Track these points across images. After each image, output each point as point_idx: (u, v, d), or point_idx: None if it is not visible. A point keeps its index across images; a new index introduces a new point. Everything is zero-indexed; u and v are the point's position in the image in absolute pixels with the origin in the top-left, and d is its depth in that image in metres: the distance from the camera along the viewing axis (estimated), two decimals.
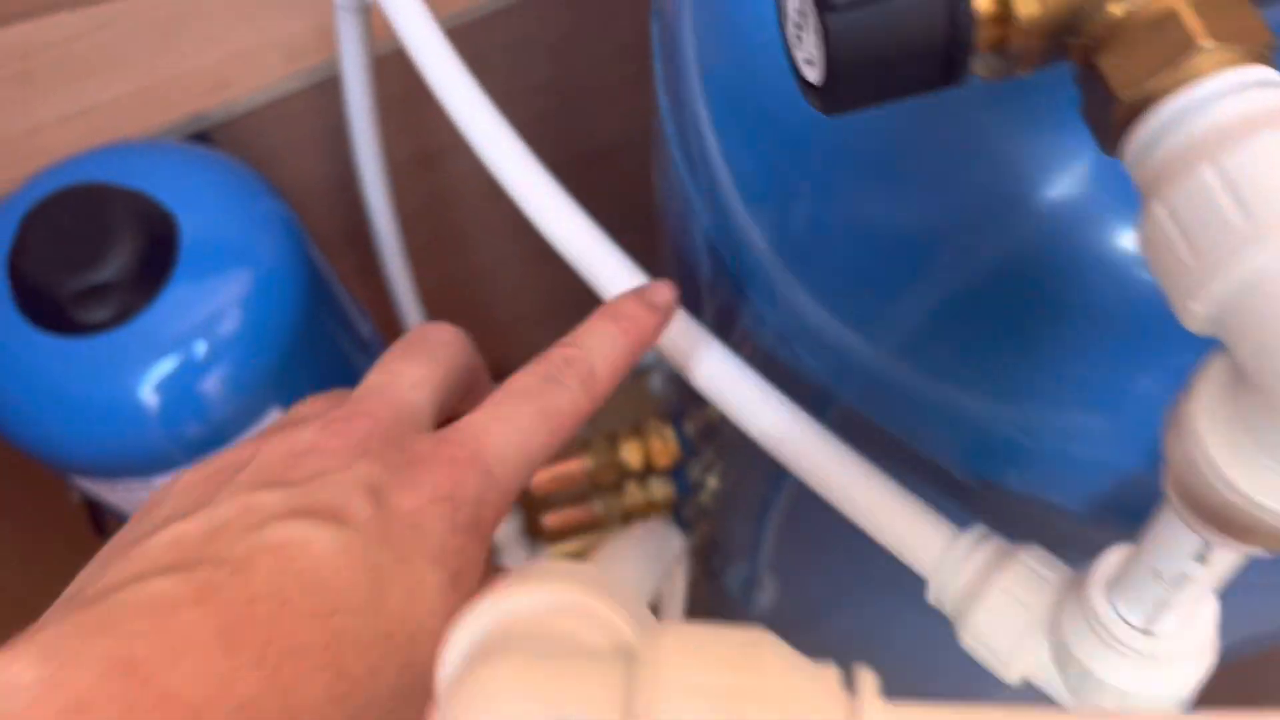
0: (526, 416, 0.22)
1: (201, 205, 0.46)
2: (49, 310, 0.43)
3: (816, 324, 0.29)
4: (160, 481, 0.46)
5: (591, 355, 0.24)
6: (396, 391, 0.22)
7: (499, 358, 1.05)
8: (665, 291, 0.27)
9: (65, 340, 0.43)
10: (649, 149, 0.83)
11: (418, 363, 0.23)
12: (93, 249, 0.43)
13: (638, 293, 0.26)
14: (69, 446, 0.44)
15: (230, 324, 0.45)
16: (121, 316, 0.43)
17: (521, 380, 0.23)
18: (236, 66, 0.58)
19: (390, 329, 0.70)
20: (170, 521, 0.19)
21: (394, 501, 0.20)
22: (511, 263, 0.87)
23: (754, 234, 0.30)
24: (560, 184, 0.33)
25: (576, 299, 0.93)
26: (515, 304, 0.93)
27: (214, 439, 0.46)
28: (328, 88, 0.60)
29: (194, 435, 0.45)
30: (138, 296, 0.44)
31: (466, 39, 0.59)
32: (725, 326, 0.32)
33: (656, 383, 1.09)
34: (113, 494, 0.48)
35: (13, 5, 0.58)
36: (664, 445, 0.51)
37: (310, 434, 0.21)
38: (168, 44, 0.59)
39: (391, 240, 0.63)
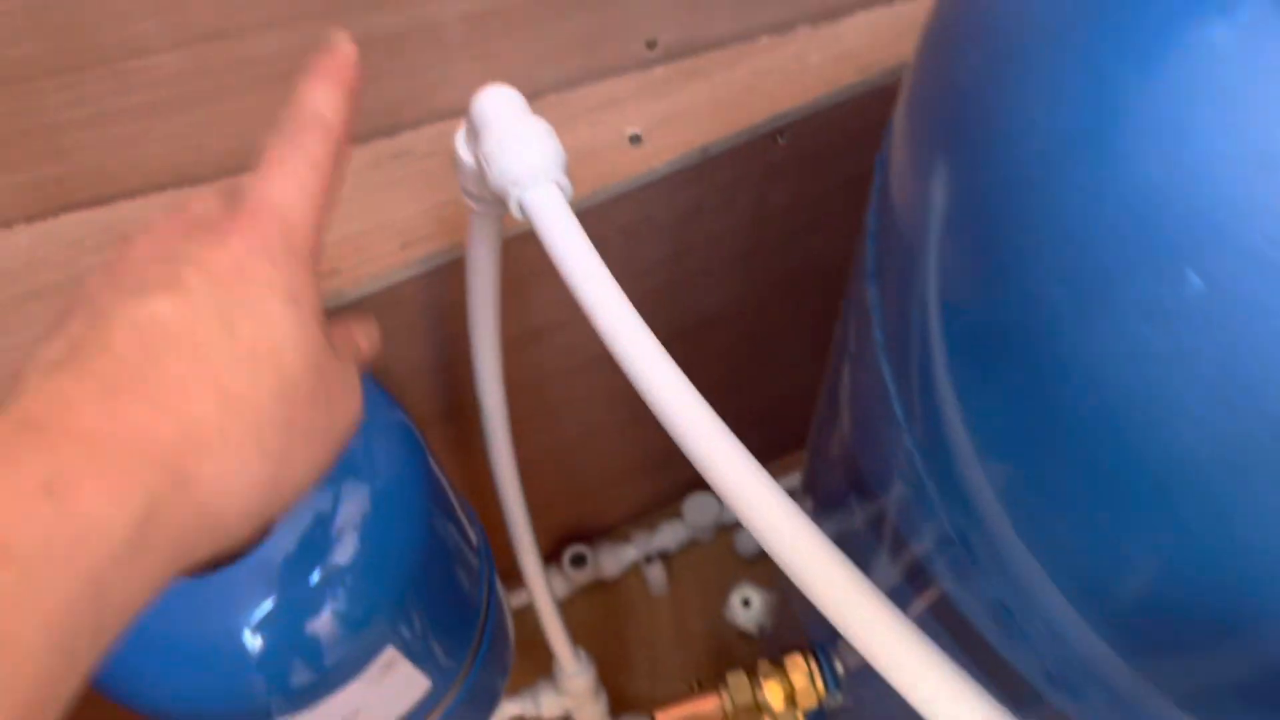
0: (301, 167, 0.29)
1: None
2: None
3: (1047, 610, 0.25)
4: None
5: (321, 110, 0.30)
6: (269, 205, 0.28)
7: (591, 515, 1.02)
8: (343, 48, 0.32)
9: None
10: (746, 321, 0.81)
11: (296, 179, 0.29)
12: None
13: (328, 56, 0.31)
14: (166, 693, 0.40)
15: (349, 546, 0.41)
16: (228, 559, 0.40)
17: (282, 145, 0.29)
18: (349, 252, 0.56)
19: (482, 496, 0.66)
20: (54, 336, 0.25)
21: (216, 263, 0.26)
22: (603, 430, 0.83)
23: (978, 478, 0.26)
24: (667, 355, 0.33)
25: (662, 458, 0.88)
26: (606, 468, 0.90)
27: (321, 684, 0.41)
28: (440, 273, 0.57)
29: (300, 682, 0.41)
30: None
31: (587, 221, 0.56)
32: (899, 551, 0.28)
33: (745, 542, 1.05)
34: None
35: (117, 185, 0.56)
36: (808, 682, 0.46)
37: (150, 239, 0.28)
38: None
39: (499, 415, 0.59)
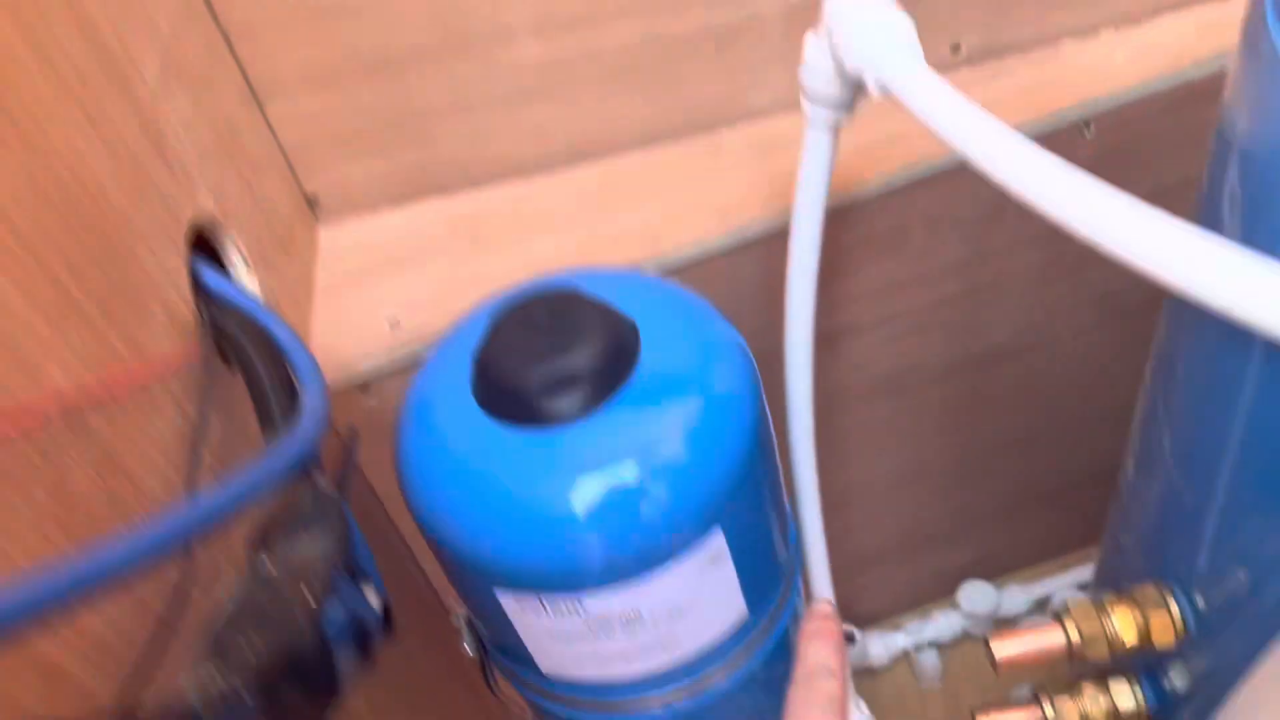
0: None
1: (661, 321, 0.45)
2: (512, 402, 0.42)
3: None
4: (588, 602, 0.42)
5: (825, 663, 0.39)
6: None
7: (858, 594, 0.98)
8: (821, 608, 0.42)
9: (525, 432, 0.42)
10: (1040, 357, 0.79)
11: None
12: (562, 341, 0.42)
13: (817, 619, 0.42)
14: (507, 548, 0.42)
15: (678, 443, 0.42)
16: (581, 411, 0.42)
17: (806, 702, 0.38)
18: (671, 224, 0.60)
19: None
20: None
21: None
22: (883, 482, 0.82)
23: None
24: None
25: (943, 533, 0.84)
26: (881, 533, 0.88)
27: (647, 559, 0.42)
28: (757, 245, 0.60)
29: (631, 551, 0.42)
30: (598, 393, 0.42)
31: (891, 205, 0.58)
32: None
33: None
34: (529, 615, 0.45)
35: (468, 174, 0.64)
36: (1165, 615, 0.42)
37: None
38: (606, 207, 0.62)
39: (804, 404, 0.60)
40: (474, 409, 0.44)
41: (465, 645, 0.53)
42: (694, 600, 0.45)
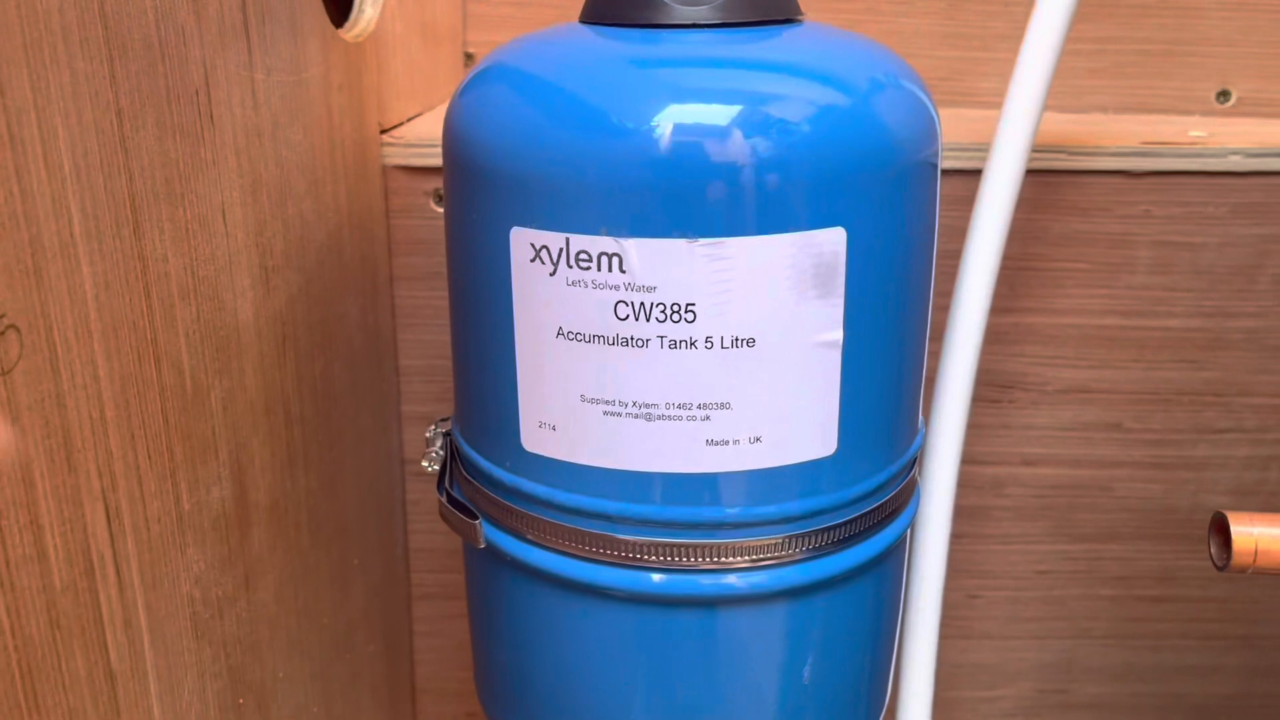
0: None
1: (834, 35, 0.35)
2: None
3: None
4: (638, 251, 0.29)
5: None
6: None
7: None
8: None
9: (641, 33, 0.32)
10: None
11: None
12: None
13: None
14: (594, 158, 0.30)
15: (817, 97, 0.31)
16: (717, 14, 0.32)
17: None
18: None
19: None
20: None
21: None
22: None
23: None
24: None
25: None
26: None
27: (738, 207, 0.29)
28: None
29: (722, 181, 0.29)
30: (740, 8, 0.32)
31: None
32: None
33: None
34: (552, 294, 0.31)
35: None
36: None
37: None
38: None
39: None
40: (580, 30, 0.34)
41: (426, 460, 0.39)
42: (769, 335, 0.30)
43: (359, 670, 0.51)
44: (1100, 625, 0.59)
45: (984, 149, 0.47)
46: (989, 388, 0.54)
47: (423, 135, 0.49)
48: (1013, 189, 0.43)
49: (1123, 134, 0.50)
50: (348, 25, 0.45)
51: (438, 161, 0.49)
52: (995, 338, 0.51)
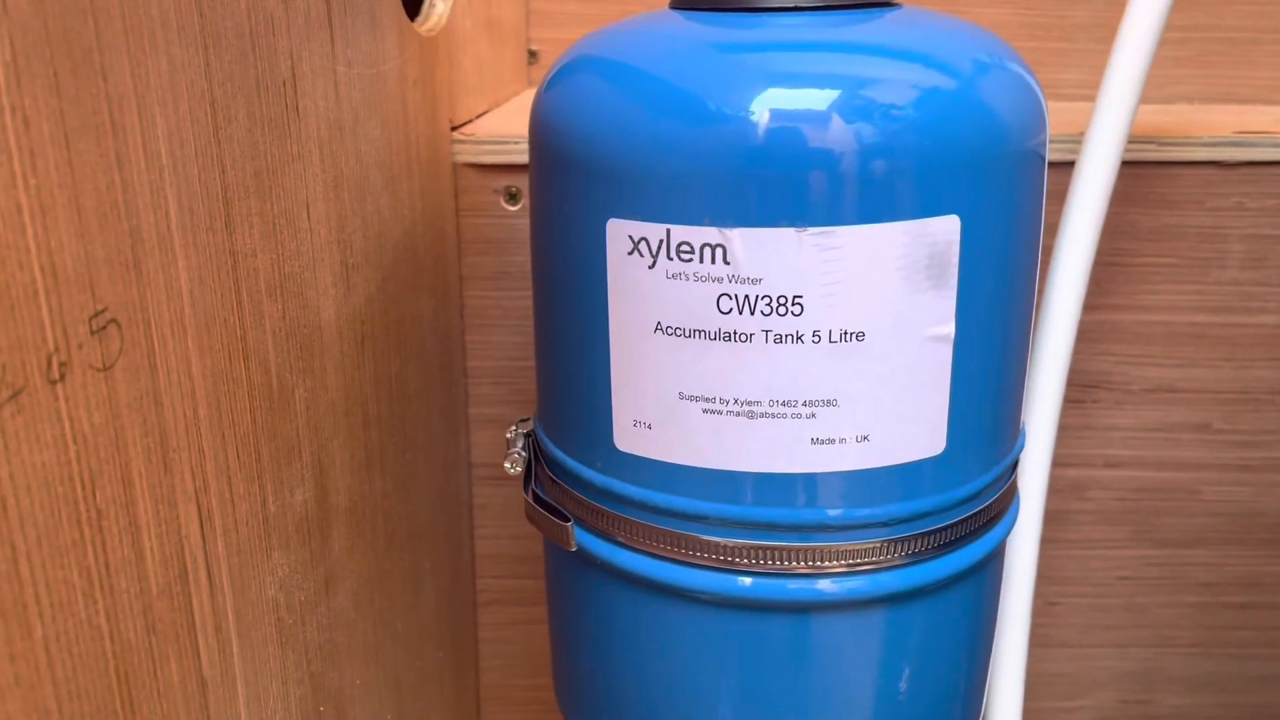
0: None
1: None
2: None
3: None
4: (742, 241, 0.28)
5: None
6: None
7: None
8: None
9: (736, 18, 0.31)
10: None
11: None
12: None
13: None
14: (686, 142, 0.29)
15: (926, 80, 0.30)
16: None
17: None
18: None
19: None
20: None
21: None
22: None
23: None
24: None
25: None
26: None
27: (845, 193, 0.28)
28: None
29: (832, 171, 0.28)
30: None
31: None
32: None
33: None
34: (647, 284, 0.30)
35: None
36: None
37: None
38: None
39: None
40: (670, 16, 0.33)
41: (509, 461, 0.38)
42: (880, 328, 0.29)
43: (428, 677, 0.50)
44: (1184, 634, 0.57)
45: (1072, 140, 0.46)
46: (1072, 387, 0.52)
47: (492, 132, 0.48)
48: (1107, 182, 0.41)
49: (1214, 124, 0.48)
50: (420, 19, 0.44)
51: (507, 159, 0.48)
52: (1079, 335, 0.49)
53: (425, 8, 0.44)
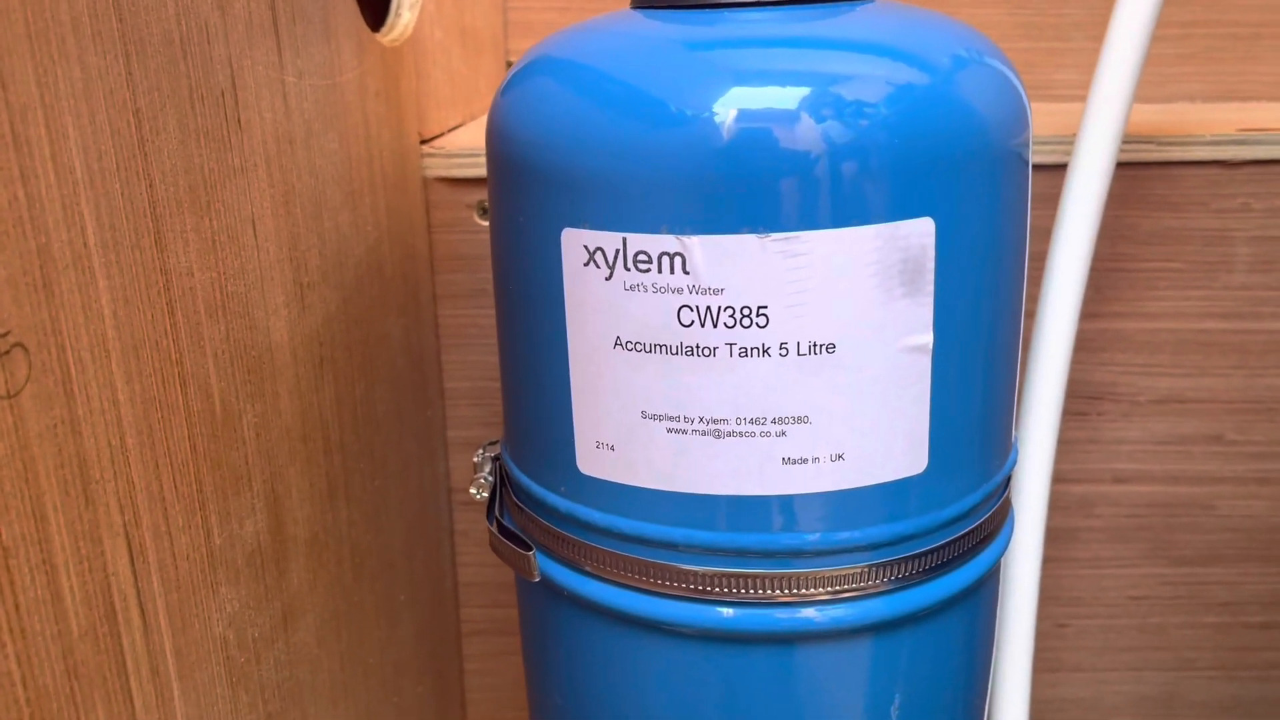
0: None
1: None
2: None
3: None
4: (701, 250, 0.26)
5: None
6: None
7: None
8: None
9: (695, 14, 0.29)
10: None
11: None
12: None
13: None
14: (648, 144, 0.27)
15: (899, 74, 0.28)
16: None
17: None
18: None
19: None
20: None
21: None
22: None
23: None
24: None
25: None
26: None
27: (813, 196, 0.26)
28: None
29: (798, 174, 0.26)
30: None
31: None
32: None
33: None
34: (605, 297, 0.29)
35: None
36: None
37: None
38: None
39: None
40: (630, 15, 0.31)
41: (474, 486, 0.36)
42: (852, 339, 0.27)
43: (406, 713, 0.48)
44: (1204, 655, 0.55)
45: (1066, 141, 0.44)
46: (1075, 399, 0.50)
47: (465, 145, 0.47)
48: (1102, 183, 0.39)
49: (1216, 121, 0.46)
50: (384, 29, 0.43)
51: (481, 173, 0.47)
52: (1081, 345, 0.47)
53: (390, 18, 0.43)
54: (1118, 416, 0.50)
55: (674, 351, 0.28)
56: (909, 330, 0.27)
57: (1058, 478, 0.50)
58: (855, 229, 0.26)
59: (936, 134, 0.27)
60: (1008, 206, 0.29)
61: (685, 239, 0.26)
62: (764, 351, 0.27)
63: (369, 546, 0.42)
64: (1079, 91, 0.53)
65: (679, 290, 0.27)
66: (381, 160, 0.42)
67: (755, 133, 0.26)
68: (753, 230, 0.26)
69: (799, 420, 0.28)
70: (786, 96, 0.27)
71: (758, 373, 0.27)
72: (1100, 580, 0.53)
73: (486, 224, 0.48)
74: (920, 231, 0.27)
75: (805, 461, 0.28)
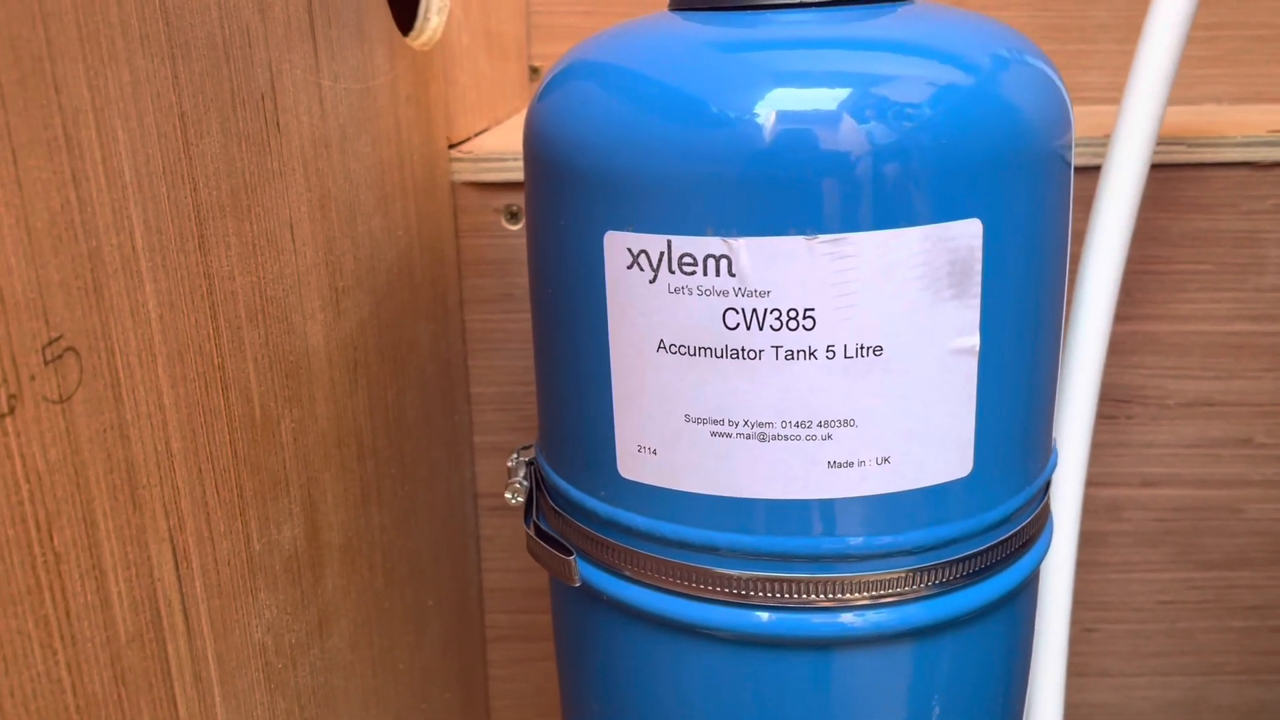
0: None
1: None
2: None
3: None
4: (749, 251, 0.26)
5: None
6: None
7: None
8: None
9: (733, 17, 0.29)
10: None
11: None
12: None
13: None
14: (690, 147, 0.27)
15: (942, 76, 0.28)
16: None
17: None
18: None
19: None
20: None
21: None
22: None
23: None
24: None
25: None
26: None
27: (858, 198, 0.26)
28: None
29: (844, 174, 0.26)
30: None
31: None
32: None
33: None
34: (649, 299, 0.28)
35: None
36: None
37: None
38: None
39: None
40: (669, 17, 0.31)
41: (509, 491, 0.36)
42: (899, 342, 0.27)
43: (434, 719, 0.48)
44: (1231, 660, 0.54)
45: (1098, 144, 0.44)
46: (1104, 402, 0.49)
47: (492, 150, 0.47)
48: (1136, 186, 0.39)
49: (1245, 123, 0.46)
50: (414, 33, 0.43)
51: (508, 177, 0.47)
52: (1111, 348, 0.47)
53: (419, 21, 0.43)
54: (1147, 420, 0.50)
55: (719, 354, 0.27)
56: (956, 332, 0.27)
57: (1087, 481, 0.50)
58: (902, 230, 0.26)
59: (982, 134, 0.27)
60: (1052, 207, 0.29)
61: (732, 241, 0.26)
62: (810, 354, 0.27)
63: (399, 552, 0.42)
64: (1106, 94, 0.53)
65: (724, 293, 0.27)
66: (412, 164, 0.42)
67: (799, 134, 0.26)
68: (800, 232, 0.26)
69: (845, 423, 0.27)
70: (829, 98, 0.26)
71: (804, 375, 0.27)
72: (1128, 584, 0.53)
73: (514, 228, 0.48)
74: (968, 233, 0.27)
75: (851, 465, 0.28)
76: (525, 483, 0.36)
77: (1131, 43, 0.38)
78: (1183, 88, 0.53)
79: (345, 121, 0.35)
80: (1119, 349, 0.49)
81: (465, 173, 0.46)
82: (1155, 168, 0.45)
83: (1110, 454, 0.50)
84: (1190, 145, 0.45)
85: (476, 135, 0.50)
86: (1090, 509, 0.51)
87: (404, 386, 0.42)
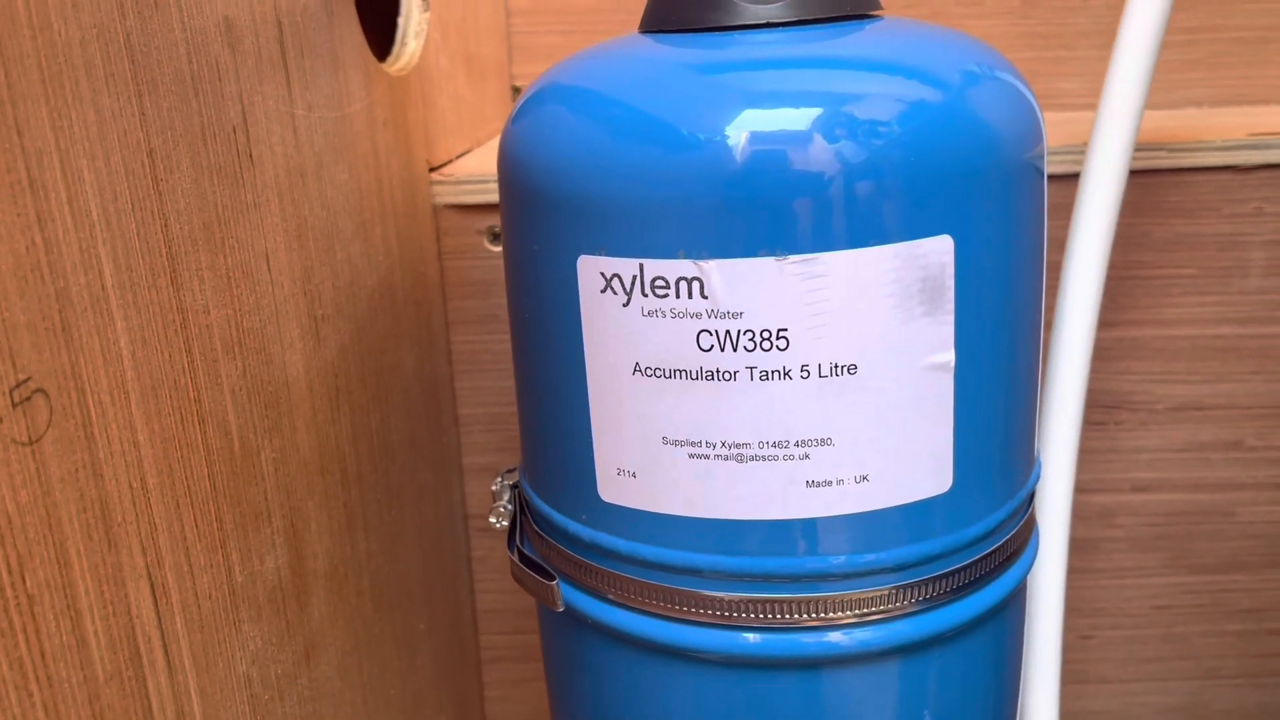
0: None
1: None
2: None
3: None
4: (719, 274, 0.26)
5: None
6: None
7: None
8: None
9: (706, 38, 0.29)
10: None
11: None
12: None
13: None
14: (669, 170, 0.27)
15: (915, 93, 0.28)
16: (785, 12, 0.28)
17: None
18: None
19: None
20: None
21: None
22: None
23: None
24: None
25: None
26: None
27: (828, 217, 0.26)
28: None
29: (811, 194, 0.26)
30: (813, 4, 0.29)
31: None
32: None
33: None
34: (623, 320, 0.28)
35: None
36: None
37: None
38: None
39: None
40: (639, 40, 0.31)
41: (494, 515, 0.36)
42: (873, 360, 0.27)
43: None
44: (1229, 664, 0.54)
45: (1076, 151, 0.44)
46: (1093, 409, 0.49)
47: (473, 172, 0.47)
48: (1116, 192, 0.39)
49: (1226, 126, 0.46)
50: (391, 58, 0.43)
51: (491, 198, 0.47)
52: (1097, 354, 0.47)
53: (396, 47, 0.43)
54: (1136, 425, 0.50)
55: (694, 376, 0.27)
56: (930, 349, 0.27)
57: (1077, 488, 0.50)
58: (874, 249, 0.26)
59: (951, 150, 0.27)
60: (1025, 220, 0.29)
61: (703, 264, 0.26)
62: (785, 374, 0.27)
63: (388, 576, 0.42)
64: (1085, 100, 0.53)
65: (697, 315, 0.27)
66: (391, 189, 0.42)
67: (768, 155, 0.26)
68: (770, 253, 0.26)
69: (822, 442, 0.27)
70: (798, 118, 0.26)
71: (779, 395, 0.27)
72: (1123, 590, 0.53)
73: (497, 249, 0.48)
74: (939, 249, 0.27)
75: (829, 484, 0.28)
76: (509, 506, 0.36)
77: (1110, 49, 0.38)
78: (1162, 92, 0.53)
79: (321, 149, 0.35)
80: (1105, 355, 0.48)
81: (447, 195, 0.46)
82: (1137, 173, 0.45)
83: (1100, 460, 0.50)
84: (1171, 150, 0.45)
85: (458, 157, 0.50)
86: (1082, 515, 0.51)
87: (388, 411, 0.42)
